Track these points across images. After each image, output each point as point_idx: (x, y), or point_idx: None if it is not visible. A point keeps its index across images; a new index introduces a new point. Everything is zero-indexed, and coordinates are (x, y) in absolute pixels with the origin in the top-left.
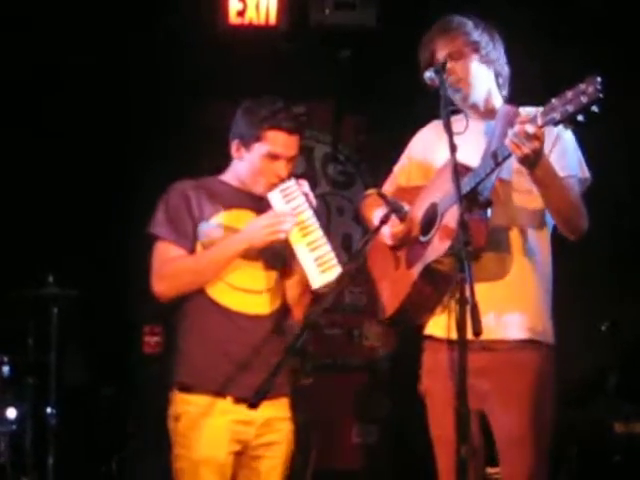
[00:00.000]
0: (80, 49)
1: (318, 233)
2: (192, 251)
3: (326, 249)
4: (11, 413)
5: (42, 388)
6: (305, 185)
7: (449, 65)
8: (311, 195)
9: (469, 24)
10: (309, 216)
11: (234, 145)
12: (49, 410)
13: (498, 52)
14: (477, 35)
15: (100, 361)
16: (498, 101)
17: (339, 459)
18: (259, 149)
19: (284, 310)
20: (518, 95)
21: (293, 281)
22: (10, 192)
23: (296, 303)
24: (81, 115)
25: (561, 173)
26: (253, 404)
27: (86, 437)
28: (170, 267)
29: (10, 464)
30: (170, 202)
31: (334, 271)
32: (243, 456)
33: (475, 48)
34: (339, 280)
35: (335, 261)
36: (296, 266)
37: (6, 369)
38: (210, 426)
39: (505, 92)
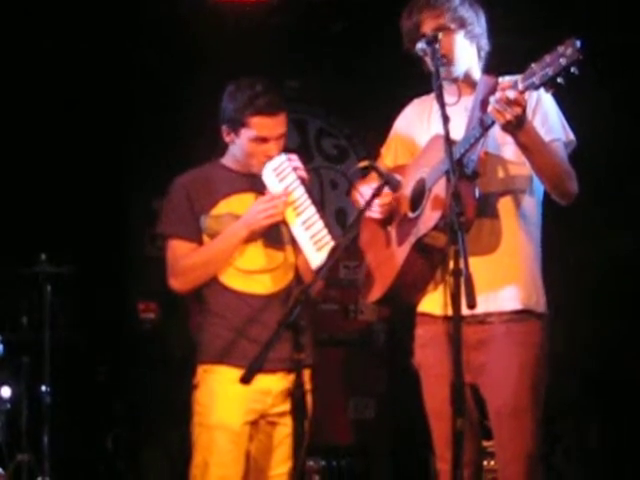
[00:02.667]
0: (69, 33)
1: (310, 210)
2: (201, 243)
3: (319, 226)
4: (5, 392)
5: (36, 366)
6: (295, 160)
7: (423, 46)
8: (301, 168)
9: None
10: (301, 194)
11: (224, 130)
12: (44, 388)
13: (481, 27)
14: (464, 11)
15: (94, 338)
16: (478, 75)
17: (336, 434)
18: (246, 134)
19: (296, 283)
20: (500, 69)
21: (303, 256)
22: (3, 172)
23: (308, 276)
24: (70, 93)
25: (545, 137)
26: (245, 379)
27: (81, 415)
28: (181, 264)
29: (5, 442)
30: (173, 200)
31: (328, 247)
32: (259, 422)
33: (461, 24)
34: (331, 254)
35: (328, 237)
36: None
37: (0, 348)
38: (227, 393)
39: (482, 64)
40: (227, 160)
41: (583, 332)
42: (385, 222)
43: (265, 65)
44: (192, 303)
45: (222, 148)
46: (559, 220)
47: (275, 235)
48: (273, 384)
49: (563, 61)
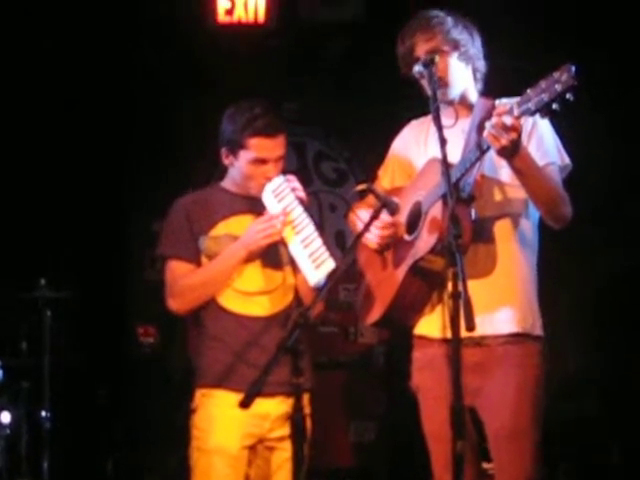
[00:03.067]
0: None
1: (309, 229)
2: (199, 264)
3: (318, 244)
4: (5, 417)
5: (36, 391)
6: (293, 181)
7: (420, 69)
8: (300, 189)
9: (449, 21)
10: (299, 213)
11: (223, 153)
12: (43, 413)
13: (476, 48)
14: (457, 33)
15: (94, 363)
16: (474, 97)
17: (337, 457)
18: (245, 156)
19: (296, 305)
20: (498, 91)
21: (302, 276)
22: (2, 195)
23: (307, 298)
24: (73, 117)
25: (540, 162)
26: (244, 404)
27: (81, 440)
28: (180, 284)
29: (5, 468)
30: (172, 222)
31: (327, 265)
32: (257, 447)
33: (455, 46)
34: (330, 276)
35: (327, 255)
36: None
37: (0, 373)
38: (224, 417)
39: (480, 86)
40: (226, 183)
41: (590, 349)
42: (383, 249)
43: (264, 87)
44: (191, 326)
45: (222, 171)
46: (558, 240)
47: (274, 256)
48: (271, 408)
49: (558, 87)
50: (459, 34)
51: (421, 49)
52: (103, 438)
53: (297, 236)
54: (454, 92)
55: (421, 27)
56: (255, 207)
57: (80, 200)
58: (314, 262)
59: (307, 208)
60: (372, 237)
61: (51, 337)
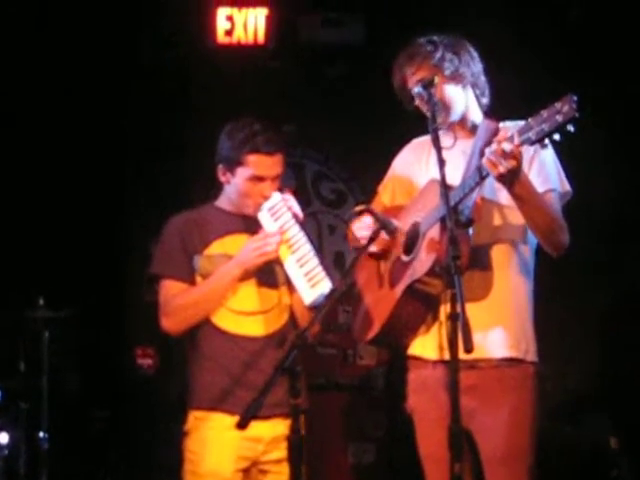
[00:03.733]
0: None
1: (305, 248)
2: (193, 283)
3: (314, 263)
4: (3, 438)
5: (34, 412)
6: (290, 199)
7: (420, 91)
8: (296, 208)
9: (434, 47)
10: (296, 232)
11: (220, 170)
12: (42, 434)
13: (467, 65)
14: (444, 58)
15: (93, 384)
16: (478, 116)
17: (335, 479)
18: (242, 173)
19: (291, 325)
20: (503, 110)
21: (297, 296)
22: (1, 214)
23: (303, 318)
24: (71, 135)
25: (540, 188)
26: (241, 425)
27: (79, 461)
28: (173, 304)
29: None
30: (166, 240)
31: (323, 284)
32: (252, 470)
33: (444, 71)
34: (329, 297)
35: (323, 274)
36: None
37: None
38: (217, 441)
39: (486, 100)
40: (221, 202)
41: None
42: (379, 257)
43: (263, 109)
44: (188, 348)
45: (217, 190)
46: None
47: (270, 276)
48: (265, 431)
49: (559, 118)
50: (447, 59)
51: (411, 81)
52: (101, 459)
53: (293, 255)
54: (454, 116)
55: (407, 60)
56: (250, 227)
57: (79, 220)
58: (309, 281)
59: (304, 227)
60: (363, 233)
61: (49, 358)
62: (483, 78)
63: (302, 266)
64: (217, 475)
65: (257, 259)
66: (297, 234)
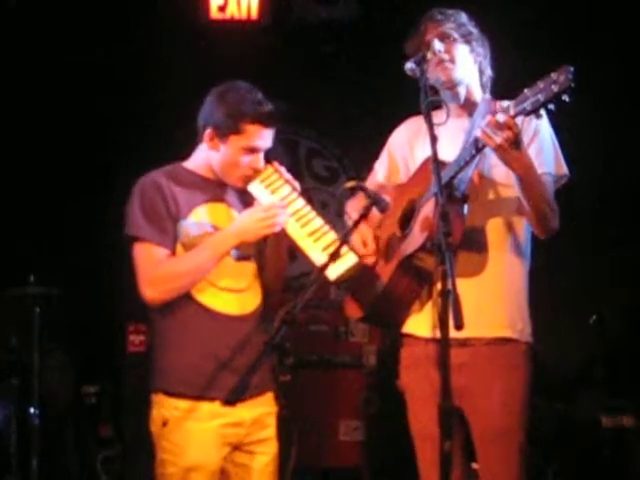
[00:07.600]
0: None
1: (317, 221)
2: (174, 250)
3: (332, 236)
4: None
5: (25, 388)
6: (285, 171)
7: (437, 46)
8: (292, 180)
9: (463, 16)
10: (302, 204)
11: (207, 134)
12: (32, 410)
13: (485, 51)
14: (471, 27)
15: (84, 360)
16: (478, 95)
17: (326, 457)
18: (237, 142)
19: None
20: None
21: (266, 270)
22: None
23: (271, 291)
24: (59, 113)
25: (537, 170)
26: (231, 402)
27: (70, 437)
28: (159, 272)
29: None
30: (146, 199)
31: (347, 258)
32: (234, 453)
33: (467, 39)
34: (355, 269)
35: (346, 247)
36: (269, 254)
37: None
38: (199, 431)
39: (487, 94)
40: (194, 166)
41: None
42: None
43: (256, 85)
44: (156, 320)
45: (184, 151)
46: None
47: (249, 250)
48: (245, 414)
49: (555, 88)
50: (472, 28)
51: (431, 33)
52: (92, 435)
53: (304, 229)
54: (459, 77)
55: (434, 16)
56: (227, 196)
57: (70, 196)
58: (331, 256)
59: (309, 200)
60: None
61: (40, 334)
62: (490, 71)
63: (317, 240)
64: (202, 468)
65: (262, 230)
66: (304, 206)
